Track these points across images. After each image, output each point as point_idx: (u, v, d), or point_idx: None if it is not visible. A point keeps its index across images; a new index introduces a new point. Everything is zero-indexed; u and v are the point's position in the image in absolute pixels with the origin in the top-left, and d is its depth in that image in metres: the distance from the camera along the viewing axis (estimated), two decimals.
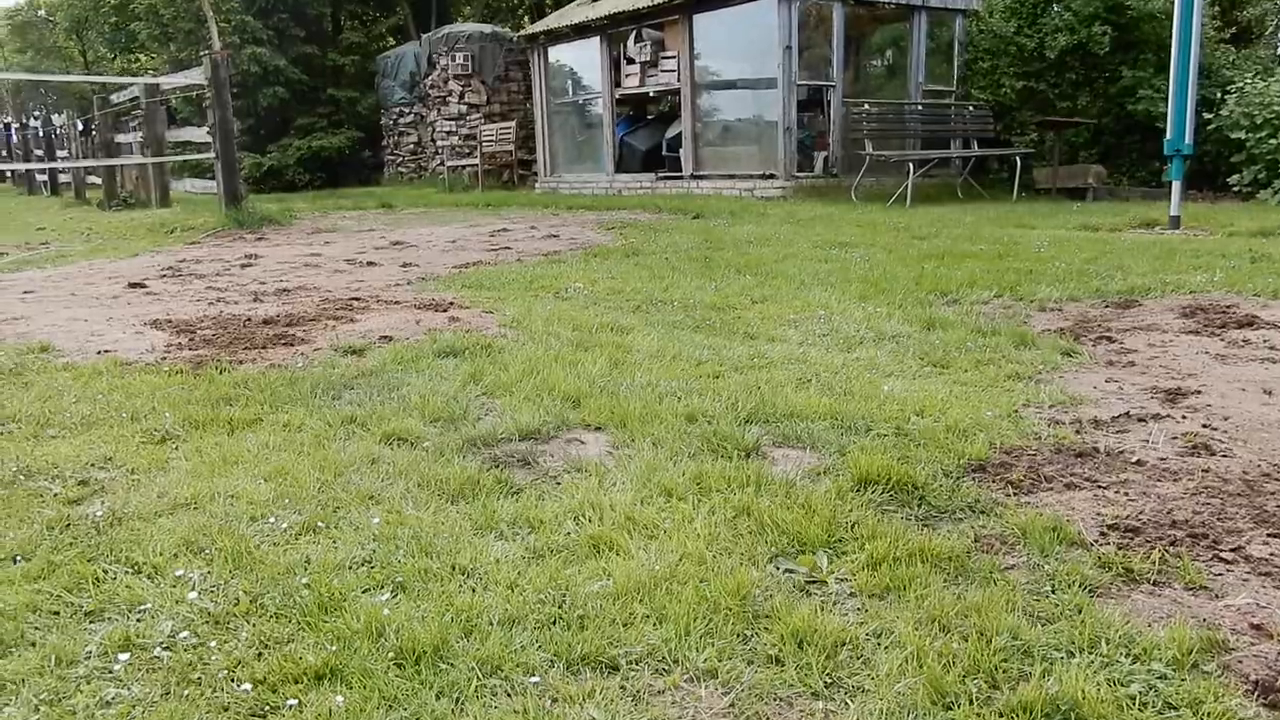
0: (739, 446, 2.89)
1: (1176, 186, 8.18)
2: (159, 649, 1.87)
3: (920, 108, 13.17)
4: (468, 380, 3.67)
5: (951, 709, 1.62)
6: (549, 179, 16.51)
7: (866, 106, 12.34)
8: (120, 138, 16.87)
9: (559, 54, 16.45)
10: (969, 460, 2.80)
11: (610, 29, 14.81)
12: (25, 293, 6.37)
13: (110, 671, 1.81)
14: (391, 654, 1.82)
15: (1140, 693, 1.66)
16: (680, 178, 13.84)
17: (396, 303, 5.53)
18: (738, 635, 1.88)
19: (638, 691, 1.72)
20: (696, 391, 3.45)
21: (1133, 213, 9.34)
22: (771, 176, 12.53)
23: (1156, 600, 2.00)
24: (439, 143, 19.36)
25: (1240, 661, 1.77)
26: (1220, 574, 2.12)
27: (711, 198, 12.40)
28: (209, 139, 10.83)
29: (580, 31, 15.44)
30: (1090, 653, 1.77)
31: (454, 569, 2.16)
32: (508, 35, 19.36)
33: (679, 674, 1.76)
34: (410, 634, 1.86)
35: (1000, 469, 2.76)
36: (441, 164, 18.79)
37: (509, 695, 1.70)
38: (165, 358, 4.30)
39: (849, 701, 1.67)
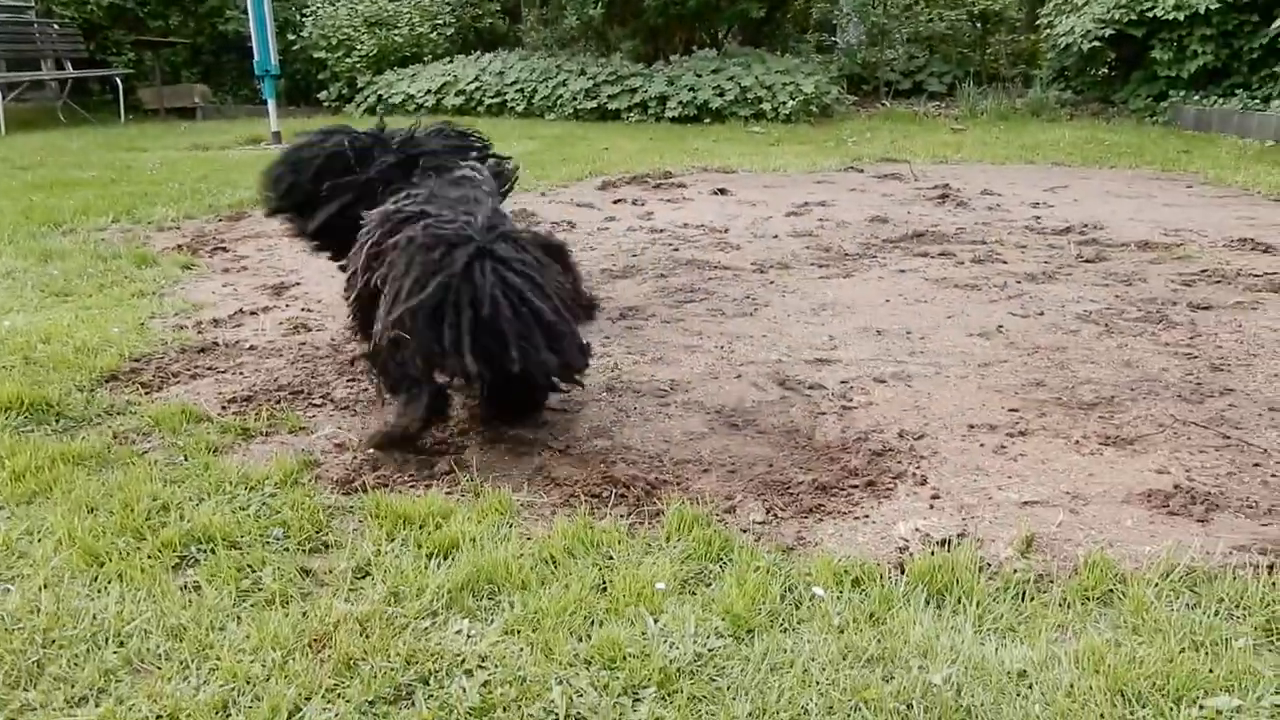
0: None
1: (272, 105, 8.94)
2: None
3: None
4: None
5: (104, 564, 1.95)
6: None
7: None
8: None
9: None
10: (102, 373, 3.05)
11: None
12: None
13: None
14: None
15: (256, 509, 2.17)
16: None
17: None
18: None
19: None
20: None
21: (239, 131, 9.94)
22: None
23: (267, 446, 2.55)
24: None
25: (328, 471, 2.40)
26: (314, 416, 2.75)
27: None
28: None
29: None
30: (216, 494, 2.24)
31: None
32: None
33: None
34: None
35: (132, 375, 3.06)
36: None
37: None
38: None
39: (9, 587, 1.88)
